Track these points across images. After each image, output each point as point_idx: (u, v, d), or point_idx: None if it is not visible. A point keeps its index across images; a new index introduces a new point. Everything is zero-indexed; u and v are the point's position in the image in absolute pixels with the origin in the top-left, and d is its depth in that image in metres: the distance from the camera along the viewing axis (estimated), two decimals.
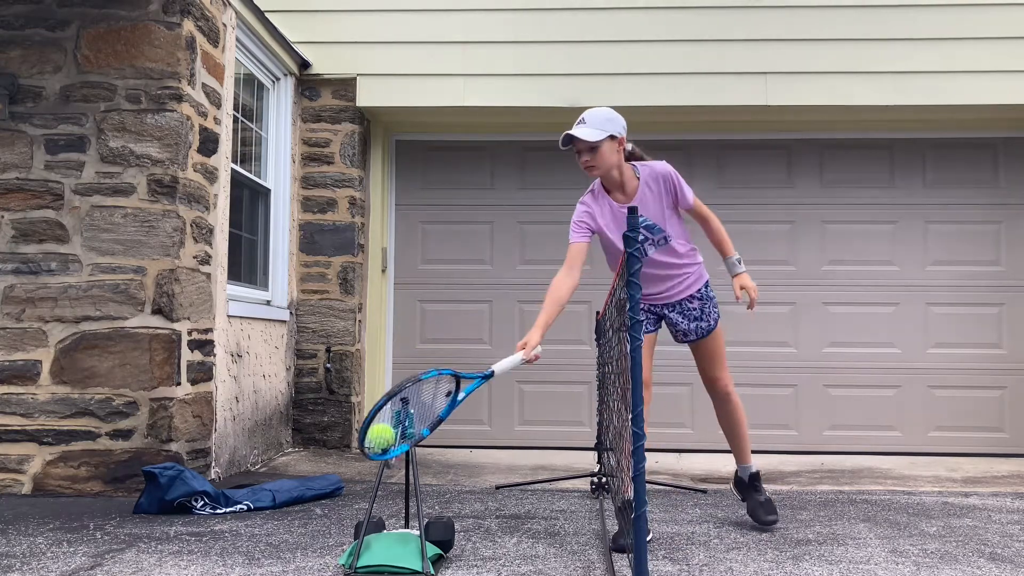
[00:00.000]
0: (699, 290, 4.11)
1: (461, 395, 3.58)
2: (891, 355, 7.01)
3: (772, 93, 6.63)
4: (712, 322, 4.10)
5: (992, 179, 7.07)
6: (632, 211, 2.95)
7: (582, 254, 4.01)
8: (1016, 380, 6.94)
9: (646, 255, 3.97)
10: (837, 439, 6.93)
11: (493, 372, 3.72)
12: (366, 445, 3.25)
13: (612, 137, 3.89)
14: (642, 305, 4.00)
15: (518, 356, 3.77)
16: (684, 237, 4.11)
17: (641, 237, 3.80)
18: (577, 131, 3.86)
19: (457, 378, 3.57)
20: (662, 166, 4.01)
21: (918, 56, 6.58)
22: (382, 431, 3.29)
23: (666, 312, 4.14)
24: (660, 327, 4.22)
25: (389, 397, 3.32)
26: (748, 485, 4.22)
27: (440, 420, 3.54)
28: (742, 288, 4.06)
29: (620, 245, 3.85)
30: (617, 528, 3.74)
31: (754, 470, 4.23)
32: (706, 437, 6.94)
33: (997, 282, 7.00)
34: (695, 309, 4.10)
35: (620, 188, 4.00)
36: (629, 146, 4.02)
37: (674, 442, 6.88)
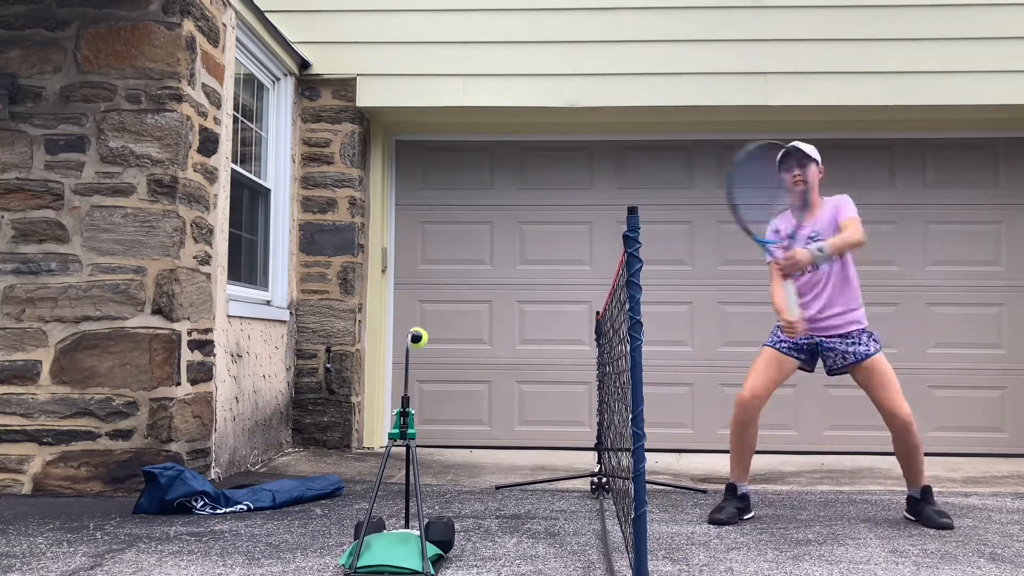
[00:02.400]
0: (860, 328, 4.40)
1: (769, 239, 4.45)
2: (891, 355, 6.87)
3: (772, 93, 6.63)
4: (872, 347, 4.34)
5: (992, 179, 7.06)
6: (632, 210, 2.94)
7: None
8: (1016, 380, 6.94)
9: (816, 268, 4.36)
10: (837, 439, 6.92)
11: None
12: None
13: (816, 163, 4.48)
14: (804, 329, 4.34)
15: (795, 313, 4.22)
16: (853, 277, 4.42)
17: (769, 238, 4.44)
18: (801, 145, 4.46)
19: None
20: (839, 196, 4.51)
21: (918, 56, 6.58)
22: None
23: (823, 341, 4.37)
24: (807, 358, 4.44)
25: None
26: (921, 500, 4.34)
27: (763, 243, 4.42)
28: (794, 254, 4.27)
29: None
30: (619, 528, 3.74)
31: (925, 484, 4.37)
32: (706, 437, 6.94)
33: (997, 282, 6.99)
34: (854, 335, 4.36)
35: (809, 208, 4.46)
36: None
37: (674, 442, 6.88)
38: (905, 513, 4.46)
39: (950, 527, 4.16)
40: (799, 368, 4.42)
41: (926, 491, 4.34)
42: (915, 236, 7.05)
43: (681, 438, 6.90)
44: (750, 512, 4.41)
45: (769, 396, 4.33)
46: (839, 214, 4.41)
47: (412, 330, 3.59)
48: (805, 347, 4.39)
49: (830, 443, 6.91)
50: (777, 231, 4.54)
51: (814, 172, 4.47)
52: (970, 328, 6.97)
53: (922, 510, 4.30)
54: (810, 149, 4.48)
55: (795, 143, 4.47)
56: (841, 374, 4.43)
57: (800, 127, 7.05)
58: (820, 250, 4.22)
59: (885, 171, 7.12)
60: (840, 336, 4.34)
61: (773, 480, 5.63)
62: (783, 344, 4.37)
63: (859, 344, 4.32)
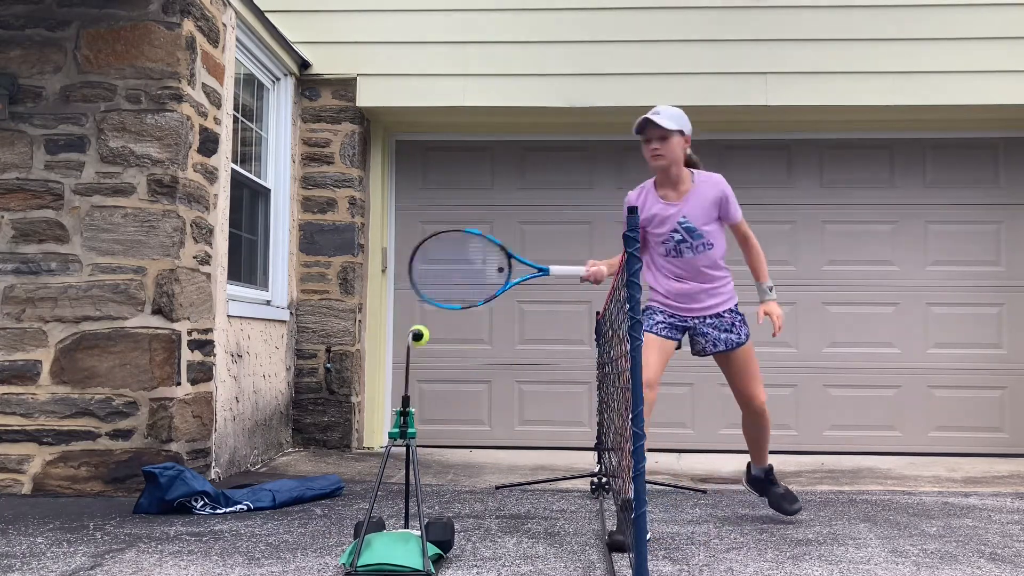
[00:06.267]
0: (732, 308, 4.21)
1: (515, 280, 3.89)
2: (891, 355, 7.01)
3: (772, 93, 6.63)
4: (743, 336, 4.15)
5: (992, 179, 7.07)
6: (632, 210, 2.94)
7: None
8: (1016, 380, 6.94)
9: (680, 255, 4.10)
10: (837, 439, 6.92)
11: (549, 270, 3.91)
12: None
13: (681, 133, 4.04)
14: (670, 311, 4.18)
15: (580, 268, 4.00)
16: (721, 256, 4.20)
17: (678, 237, 4.06)
18: (654, 117, 3.99)
19: (508, 255, 3.84)
20: (718, 177, 4.14)
21: (918, 56, 6.58)
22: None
23: (697, 324, 4.17)
24: (682, 337, 4.23)
25: (423, 240, 3.77)
26: (765, 480, 4.37)
27: (494, 297, 3.84)
28: (766, 313, 4.20)
29: (659, 239, 4.09)
30: (616, 527, 3.74)
31: (768, 465, 4.39)
32: (706, 437, 6.94)
33: (997, 282, 7.00)
34: (727, 321, 4.16)
35: (674, 187, 4.11)
36: (689, 149, 4.18)
37: (674, 442, 6.87)
38: (744, 483, 4.48)
39: (799, 511, 4.23)
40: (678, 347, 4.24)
41: (769, 472, 4.37)
42: (915, 236, 7.05)
43: (681, 438, 6.90)
44: None
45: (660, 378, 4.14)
46: (725, 211, 4.10)
47: (413, 328, 3.53)
48: (679, 330, 4.17)
49: (830, 443, 6.91)
50: (634, 208, 4.30)
51: (676, 143, 4.01)
52: (970, 328, 6.97)
53: (768, 491, 4.34)
54: (669, 117, 3.99)
55: (650, 115, 3.98)
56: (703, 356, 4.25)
57: (800, 127, 7.06)
58: (771, 288, 4.25)
59: (885, 171, 7.12)
60: (717, 315, 4.13)
61: None
62: (659, 326, 4.13)
63: (732, 333, 4.12)
